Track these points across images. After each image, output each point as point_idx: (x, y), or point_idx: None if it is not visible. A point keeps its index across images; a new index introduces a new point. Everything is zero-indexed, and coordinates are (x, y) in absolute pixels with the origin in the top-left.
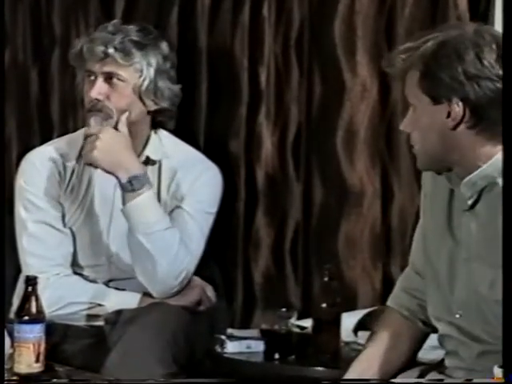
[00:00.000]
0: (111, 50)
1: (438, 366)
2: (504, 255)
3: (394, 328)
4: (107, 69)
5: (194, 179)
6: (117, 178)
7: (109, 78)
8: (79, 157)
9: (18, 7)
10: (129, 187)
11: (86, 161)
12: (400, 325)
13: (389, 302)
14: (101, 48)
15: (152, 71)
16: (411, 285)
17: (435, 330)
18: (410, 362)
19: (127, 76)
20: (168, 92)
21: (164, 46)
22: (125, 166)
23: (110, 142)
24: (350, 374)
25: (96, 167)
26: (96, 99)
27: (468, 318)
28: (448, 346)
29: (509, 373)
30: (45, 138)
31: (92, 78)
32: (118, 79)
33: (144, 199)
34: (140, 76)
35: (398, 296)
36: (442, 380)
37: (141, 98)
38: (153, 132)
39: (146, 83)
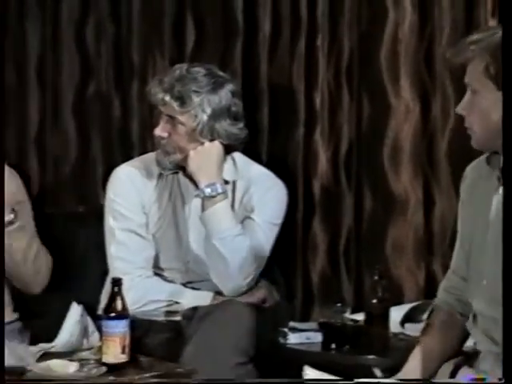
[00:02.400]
0: (168, 98)
1: (470, 358)
2: (504, 255)
3: (442, 322)
4: (168, 112)
5: (263, 194)
6: (198, 181)
7: (171, 119)
8: (161, 174)
9: (101, 43)
10: (206, 193)
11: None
12: (446, 319)
13: (435, 301)
14: (161, 95)
15: (205, 117)
16: (449, 283)
17: None
18: (458, 351)
19: (184, 120)
20: (225, 132)
21: (225, 91)
22: (208, 173)
23: (204, 152)
24: (410, 363)
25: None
26: (160, 136)
27: (496, 290)
28: (481, 324)
29: (509, 373)
30: (126, 157)
31: (162, 115)
32: (177, 121)
33: (220, 208)
34: (194, 121)
35: (439, 294)
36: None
37: (197, 139)
38: (227, 156)
39: (199, 127)
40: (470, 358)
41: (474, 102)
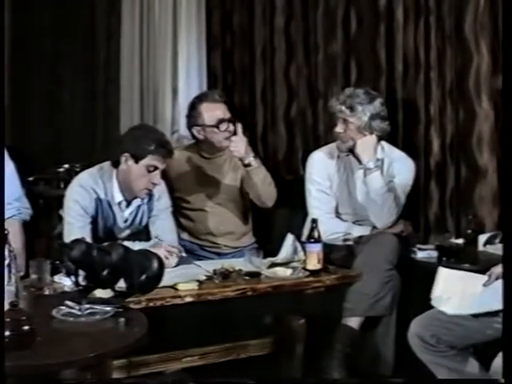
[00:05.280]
0: (343, 108)
1: None
2: (505, 252)
3: None
4: (342, 116)
5: (400, 167)
6: (361, 159)
7: (344, 121)
8: (339, 156)
9: (299, 79)
10: (367, 166)
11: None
12: None
13: None
14: (338, 106)
15: (366, 118)
16: None
17: None
18: None
19: (353, 121)
20: (378, 128)
21: (377, 102)
22: (368, 154)
23: (366, 141)
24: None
25: (353, 151)
26: (338, 132)
27: None
28: None
29: (509, 373)
30: (315, 146)
31: (339, 119)
32: (349, 122)
33: (375, 175)
34: (359, 121)
35: None
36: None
37: (361, 132)
38: (378, 143)
39: (362, 125)
40: None
41: None
